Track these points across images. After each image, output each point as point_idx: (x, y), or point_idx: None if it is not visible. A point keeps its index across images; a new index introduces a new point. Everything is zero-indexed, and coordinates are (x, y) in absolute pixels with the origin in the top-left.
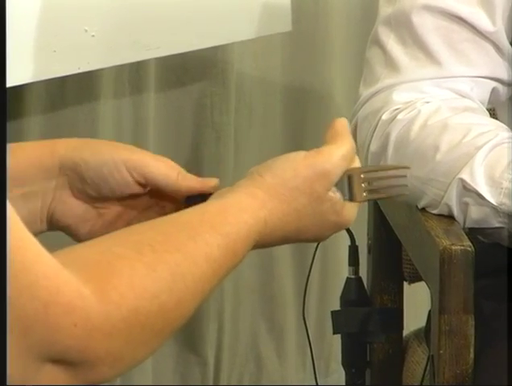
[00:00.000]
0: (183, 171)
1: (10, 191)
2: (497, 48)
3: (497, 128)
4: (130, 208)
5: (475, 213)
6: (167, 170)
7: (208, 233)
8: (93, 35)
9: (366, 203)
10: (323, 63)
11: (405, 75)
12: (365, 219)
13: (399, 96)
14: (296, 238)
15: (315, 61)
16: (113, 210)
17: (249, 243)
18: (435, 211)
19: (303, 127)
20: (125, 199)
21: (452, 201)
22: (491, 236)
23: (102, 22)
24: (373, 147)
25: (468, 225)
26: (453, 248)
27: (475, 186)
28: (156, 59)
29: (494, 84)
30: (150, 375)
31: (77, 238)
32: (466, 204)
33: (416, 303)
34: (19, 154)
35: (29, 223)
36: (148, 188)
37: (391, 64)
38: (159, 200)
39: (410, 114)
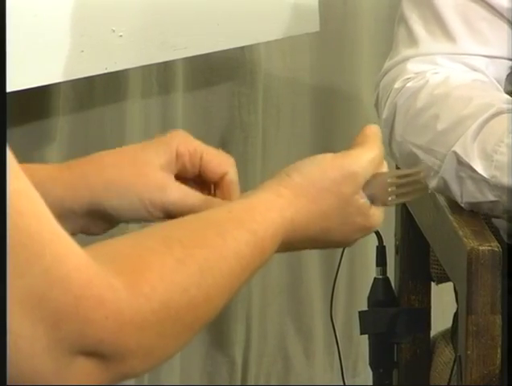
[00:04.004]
0: (209, 199)
1: None
2: None
3: (500, 100)
4: None
5: (470, 186)
6: (193, 202)
7: (237, 230)
8: (121, 35)
9: (394, 205)
10: (351, 63)
11: (422, 48)
12: (392, 219)
13: (413, 67)
14: (323, 240)
15: (344, 61)
16: None
17: (276, 241)
18: (432, 184)
19: (330, 127)
20: None
21: (448, 174)
22: (491, 211)
23: (130, 23)
24: (385, 114)
25: (465, 199)
26: (481, 248)
27: (467, 160)
28: (184, 59)
29: (511, 63)
30: (178, 374)
31: None
32: (461, 178)
33: (444, 304)
34: (38, 189)
35: None
36: None
37: (411, 38)
38: None
39: (418, 83)
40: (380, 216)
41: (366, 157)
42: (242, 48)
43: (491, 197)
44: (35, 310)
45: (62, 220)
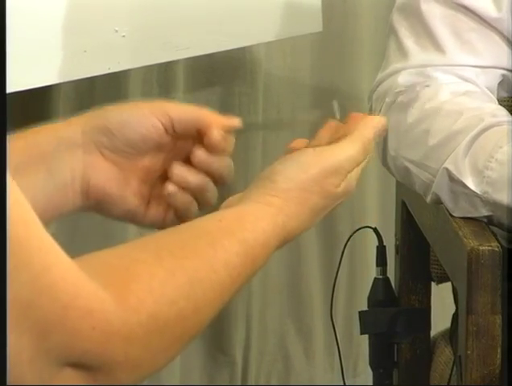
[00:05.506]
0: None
1: (31, 170)
2: (503, 37)
3: (489, 113)
4: (159, 162)
5: (464, 202)
6: (190, 109)
7: (227, 240)
8: (124, 36)
9: (394, 205)
10: (351, 63)
11: (412, 60)
12: (392, 219)
13: (403, 80)
14: (313, 224)
15: (344, 62)
16: (143, 169)
17: (268, 250)
18: (427, 199)
19: None
20: (154, 155)
21: (441, 190)
22: (490, 223)
23: (132, 23)
24: None
25: (459, 214)
26: (481, 248)
27: (459, 176)
28: (185, 59)
29: (502, 72)
30: (178, 374)
31: (113, 210)
32: (454, 193)
33: (444, 303)
34: (31, 136)
35: (57, 199)
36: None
37: (401, 51)
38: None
39: (408, 97)
40: (355, 180)
41: (347, 150)
42: (243, 48)
43: (484, 212)
44: (20, 319)
45: (61, 158)
